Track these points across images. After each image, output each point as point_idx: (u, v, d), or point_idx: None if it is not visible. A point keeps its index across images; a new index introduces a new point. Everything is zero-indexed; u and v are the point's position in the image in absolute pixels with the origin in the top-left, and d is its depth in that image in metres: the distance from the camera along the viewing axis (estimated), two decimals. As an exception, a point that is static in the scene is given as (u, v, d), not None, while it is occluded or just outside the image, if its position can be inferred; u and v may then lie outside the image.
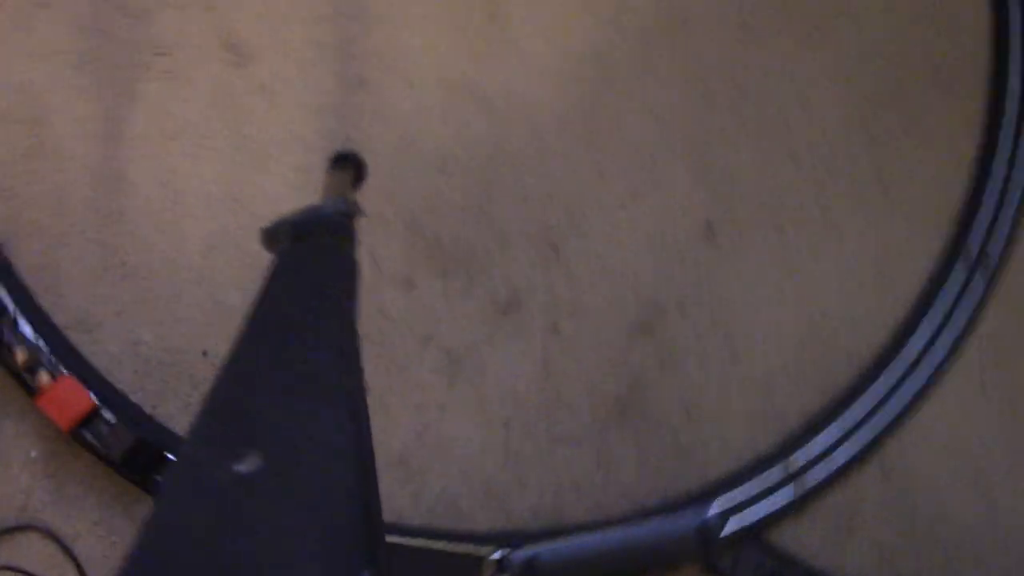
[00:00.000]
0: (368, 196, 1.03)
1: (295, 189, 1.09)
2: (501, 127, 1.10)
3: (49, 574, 1.06)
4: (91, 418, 0.98)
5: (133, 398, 1.07)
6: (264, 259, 1.07)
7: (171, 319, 1.08)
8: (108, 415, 0.99)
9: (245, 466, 0.38)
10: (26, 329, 0.99)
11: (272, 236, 0.76)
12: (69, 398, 0.98)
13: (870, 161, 1.13)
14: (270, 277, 0.65)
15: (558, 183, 1.11)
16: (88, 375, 1.01)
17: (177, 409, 1.08)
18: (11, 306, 1.00)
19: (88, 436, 0.98)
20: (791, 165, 1.13)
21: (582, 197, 1.11)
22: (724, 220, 1.12)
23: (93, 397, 0.98)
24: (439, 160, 1.10)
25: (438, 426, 1.07)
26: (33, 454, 1.06)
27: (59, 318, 1.07)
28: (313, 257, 0.69)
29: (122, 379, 1.08)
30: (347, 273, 0.67)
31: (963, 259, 1.09)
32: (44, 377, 0.98)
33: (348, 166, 1.06)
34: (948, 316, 1.08)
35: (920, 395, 1.08)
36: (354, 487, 0.39)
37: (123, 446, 0.98)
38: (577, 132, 1.11)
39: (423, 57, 1.09)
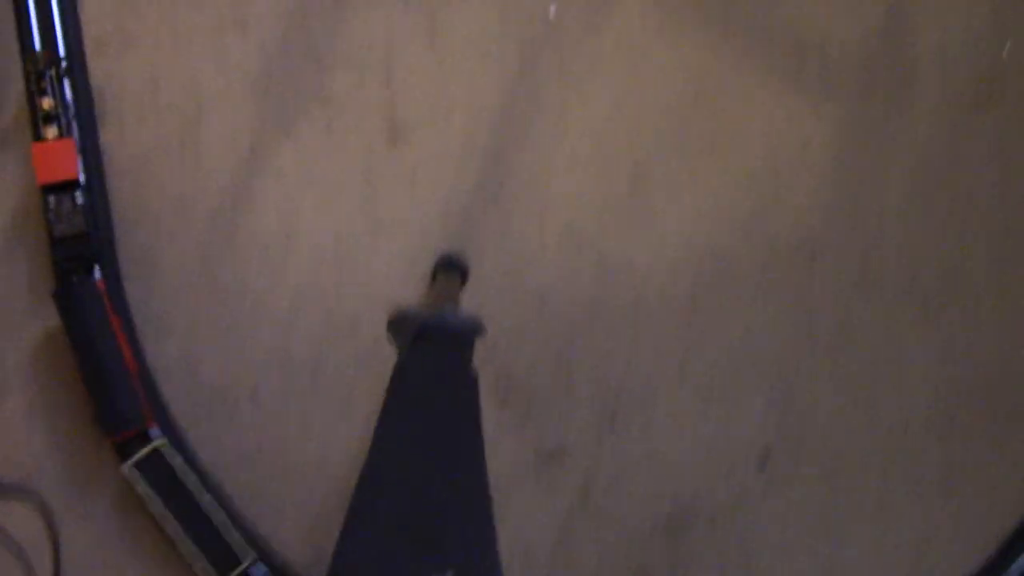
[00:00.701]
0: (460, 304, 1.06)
1: (398, 272, 1.12)
2: (607, 287, 1.12)
3: (26, 545, 1.06)
4: (65, 187, 1.02)
5: (173, 409, 1.09)
6: (344, 329, 1.10)
7: (237, 350, 1.10)
8: (80, 197, 1.02)
9: None
10: (68, 88, 1.05)
11: (397, 327, 0.80)
12: (60, 160, 1.02)
13: (941, 452, 1.12)
14: (400, 383, 0.72)
15: (639, 359, 1.12)
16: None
17: (206, 437, 1.10)
18: (65, 61, 1.05)
19: (52, 201, 1.02)
20: (865, 426, 1.13)
21: (656, 381, 1.12)
22: (782, 454, 1.12)
23: (81, 173, 1.03)
24: (538, 295, 1.12)
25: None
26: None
27: (136, 309, 1.10)
28: (442, 369, 0.75)
29: (170, 387, 1.10)
30: (474, 390, 0.73)
31: (1000, 583, 1.07)
32: (52, 132, 1.03)
33: (454, 270, 1.10)
34: (967, 634, 1.06)
35: None
36: None
37: (70, 230, 1.02)
38: (675, 319, 1.13)
39: (559, 198, 1.13)
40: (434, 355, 0.77)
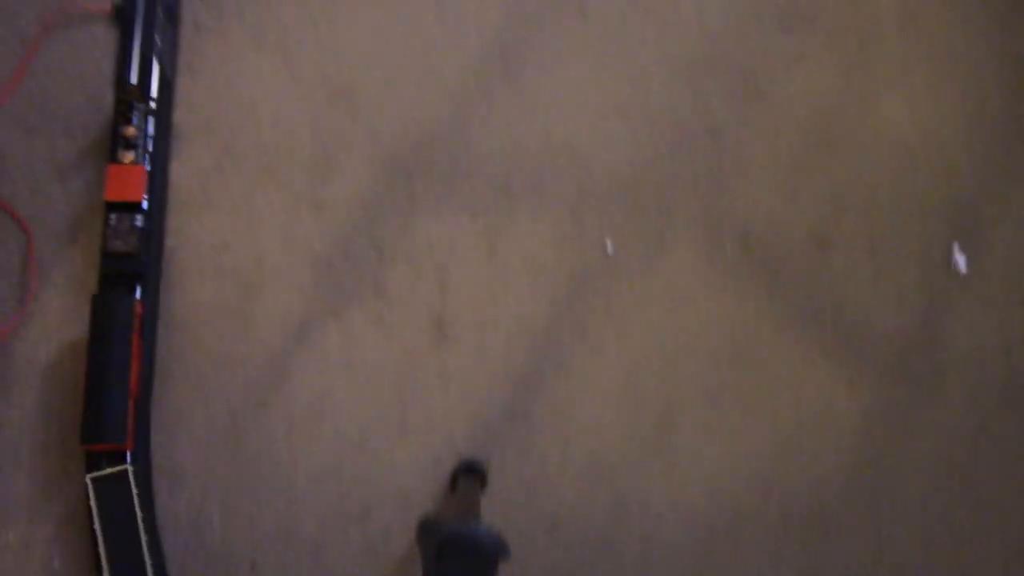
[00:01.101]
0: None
1: (418, 469, 1.13)
2: (620, 523, 1.13)
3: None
4: (128, 208, 1.09)
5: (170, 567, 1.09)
6: (354, 516, 1.11)
7: (246, 517, 1.11)
8: (140, 221, 1.09)
9: None
10: (151, 123, 1.14)
11: (426, 532, 0.85)
12: (131, 183, 1.10)
13: None
14: None
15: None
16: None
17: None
18: (155, 102, 1.15)
19: (113, 219, 1.09)
20: None
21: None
22: None
23: (145, 199, 1.10)
24: (551, 517, 1.13)
25: None
26: (56, 564, 1.08)
27: (157, 458, 1.11)
28: None
29: (173, 542, 1.10)
30: None
31: None
32: (129, 157, 1.11)
33: (475, 477, 1.11)
34: None
35: None
36: None
37: (124, 247, 1.08)
38: (684, 567, 1.12)
39: (587, 426, 1.15)
40: (459, 568, 0.80)
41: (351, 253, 1.17)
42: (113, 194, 1.10)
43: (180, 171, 1.17)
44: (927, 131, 1.23)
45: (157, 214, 1.14)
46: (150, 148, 1.14)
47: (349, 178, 1.18)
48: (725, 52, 1.23)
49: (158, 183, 1.14)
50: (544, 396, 1.15)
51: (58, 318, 1.12)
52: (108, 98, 1.15)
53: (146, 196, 1.11)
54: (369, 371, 1.15)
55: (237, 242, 1.17)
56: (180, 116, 1.18)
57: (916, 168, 1.22)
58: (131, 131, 1.12)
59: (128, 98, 1.13)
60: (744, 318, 1.17)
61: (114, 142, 1.13)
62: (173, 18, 1.20)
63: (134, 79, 1.12)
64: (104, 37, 1.18)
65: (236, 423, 1.14)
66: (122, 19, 1.17)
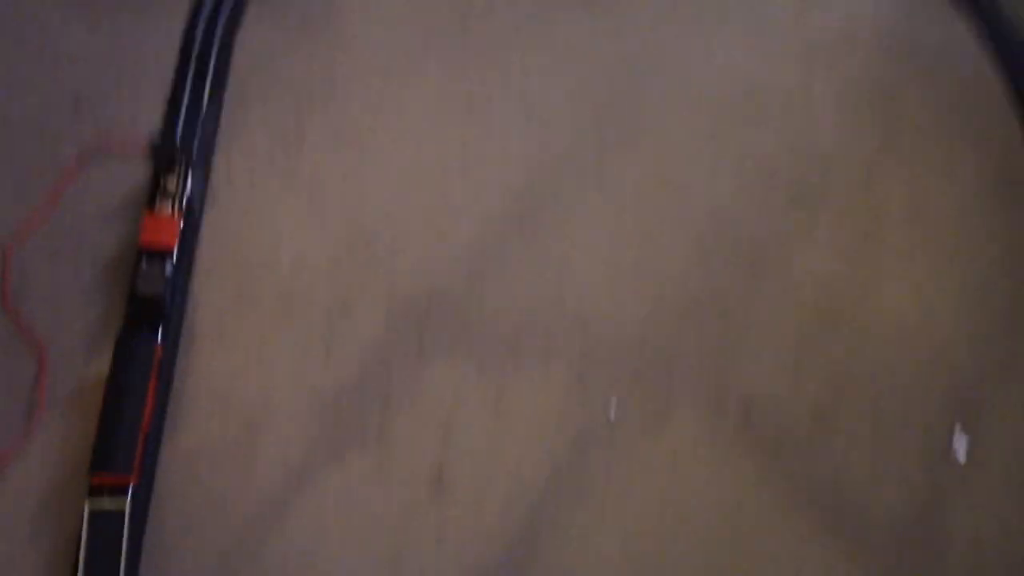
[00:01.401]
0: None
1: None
2: None
3: None
4: (160, 254, 1.15)
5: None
6: None
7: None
8: (168, 268, 1.15)
9: None
10: (190, 183, 1.20)
11: None
12: (165, 231, 1.17)
13: None
14: None
15: None
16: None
17: None
18: (195, 163, 1.22)
19: (144, 263, 1.14)
20: None
21: None
22: None
23: (176, 248, 1.17)
24: None
25: None
26: None
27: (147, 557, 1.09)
28: None
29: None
30: None
31: None
32: (166, 208, 1.18)
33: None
34: None
35: None
36: None
37: (151, 291, 1.13)
38: None
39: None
40: None
41: (357, 398, 1.19)
42: (147, 239, 1.16)
43: (197, 306, 1.20)
44: (929, 314, 1.26)
45: (186, 264, 1.20)
46: (186, 200, 1.20)
47: (362, 324, 1.21)
48: (734, 226, 1.27)
49: (189, 237, 1.20)
50: (539, 560, 1.14)
51: (59, 444, 1.12)
52: (135, 231, 1.19)
53: (176, 246, 1.17)
54: (365, 522, 1.14)
55: (245, 380, 1.19)
56: (204, 251, 1.22)
57: (917, 350, 1.24)
58: (172, 183, 1.19)
59: (170, 154, 1.21)
60: (744, 491, 1.17)
61: (153, 191, 1.19)
62: (206, 157, 1.25)
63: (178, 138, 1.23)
64: (137, 173, 1.23)
65: (227, 567, 1.12)
66: (157, 158, 1.22)
